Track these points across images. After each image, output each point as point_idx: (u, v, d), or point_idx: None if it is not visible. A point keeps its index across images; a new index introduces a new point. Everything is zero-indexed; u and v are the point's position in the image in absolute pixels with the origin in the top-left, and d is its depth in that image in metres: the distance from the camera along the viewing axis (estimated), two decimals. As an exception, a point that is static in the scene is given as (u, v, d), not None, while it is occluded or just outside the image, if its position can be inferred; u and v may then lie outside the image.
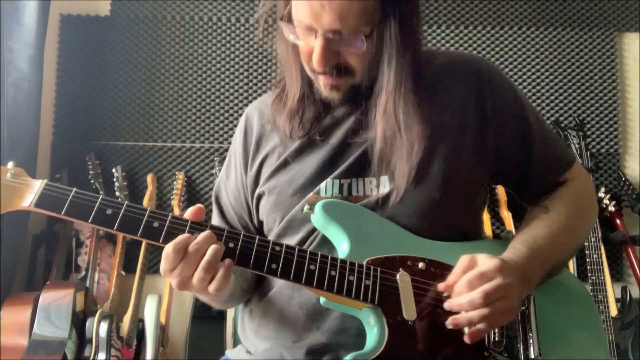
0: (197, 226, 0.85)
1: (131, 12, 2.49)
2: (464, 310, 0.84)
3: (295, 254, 0.86)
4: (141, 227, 0.83)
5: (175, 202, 2.30)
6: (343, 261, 0.87)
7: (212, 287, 0.83)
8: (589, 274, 2.09)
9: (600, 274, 2.08)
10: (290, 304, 0.98)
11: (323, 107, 1.03)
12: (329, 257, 0.87)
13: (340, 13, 0.87)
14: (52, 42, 2.42)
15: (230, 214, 1.12)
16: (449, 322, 0.85)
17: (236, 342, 2.12)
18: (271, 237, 1.04)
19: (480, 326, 0.84)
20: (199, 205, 0.87)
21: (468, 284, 0.84)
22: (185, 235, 0.83)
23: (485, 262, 0.86)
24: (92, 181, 2.30)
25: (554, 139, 1.08)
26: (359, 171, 0.99)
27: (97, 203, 0.84)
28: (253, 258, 0.85)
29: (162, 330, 2.14)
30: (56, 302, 1.92)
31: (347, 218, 0.93)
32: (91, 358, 1.91)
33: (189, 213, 0.87)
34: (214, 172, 2.39)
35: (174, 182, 2.37)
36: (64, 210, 0.83)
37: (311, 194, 0.98)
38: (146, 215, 0.84)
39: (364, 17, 0.88)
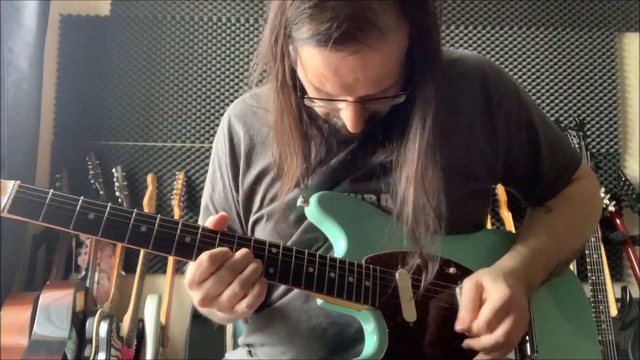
0: (227, 238, 0.80)
1: (131, 12, 2.49)
2: (486, 350, 0.84)
3: (293, 255, 0.81)
4: (128, 233, 0.76)
5: (175, 202, 2.30)
6: (342, 262, 0.84)
7: (243, 304, 0.76)
8: (589, 274, 2.09)
9: (600, 274, 2.08)
10: (298, 328, 0.94)
11: (325, 136, 0.95)
12: (328, 258, 0.83)
13: (377, 81, 0.78)
14: (52, 42, 2.42)
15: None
16: None
17: (236, 342, 2.11)
18: None
19: (499, 354, 0.85)
20: (222, 213, 0.82)
21: (487, 325, 0.82)
22: (225, 249, 0.78)
23: (495, 293, 0.83)
24: (92, 181, 2.30)
25: (561, 141, 1.05)
26: (358, 188, 0.94)
27: (78, 206, 0.76)
28: None
29: (162, 330, 2.13)
30: (56, 302, 1.92)
31: (343, 212, 0.89)
32: (91, 358, 1.91)
33: (212, 222, 0.80)
34: (214, 172, 2.39)
35: (174, 182, 2.37)
36: (41, 216, 0.74)
37: None
38: (133, 218, 0.77)
39: (400, 74, 0.80)
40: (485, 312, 0.83)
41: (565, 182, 1.05)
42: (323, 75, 0.78)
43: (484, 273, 0.87)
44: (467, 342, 0.85)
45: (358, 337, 0.87)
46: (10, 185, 0.74)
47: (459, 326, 0.84)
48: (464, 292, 0.85)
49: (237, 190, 1.01)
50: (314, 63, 0.77)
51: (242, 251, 0.78)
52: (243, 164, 1.00)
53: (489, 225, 2.32)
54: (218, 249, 0.78)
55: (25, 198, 0.74)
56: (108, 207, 0.76)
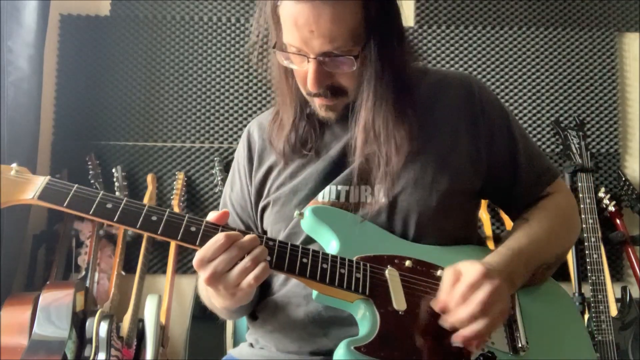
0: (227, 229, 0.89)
1: (131, 12, 2.49)
2: (465, 325, 0.85)
3: (288, 248, 0.89)
4: (140, 220, 0.86)
5: (175, 202, 2.30)
6: (334, 256, 0.91)
7: (251, 276, 0.83)
8: (589, 274, 2.09)
9: (600, 274, 2.08)
10: (297, 312, 1.01)
11: (320, 124, 1.07)
12: (321, 252, 0.90)
13: (329, 36, 0.90)
14: (52, 42, 2.42)
15: (237, 224, 1.15)
16: (459, 340, 0.86)
17: (236, 342, 2.12)
18: None
19: (485, 336, 0.86)
20: (225, 210, 0.91)
21: (462, 298, 0.85)
22: (237, 232, 0.87)
23: (470, 271, 0.87)
24: (92, 181, 2.30)
25: (538, 153, 1.13)
26: (356, 179, 1.02)
27: (99, 197, 0.87)
28: None
29: (162, 330, 2.14)
30: (56, 302, 1.92)
31: (335, 221, 0.97)
32: (91, 358, 1.91)
33: (215, 217, 0.89)
34: (214, 172, 2.39)
35: (174, 182, 2.37)
36: (66, 202, 0.86)
37: (312, 201, 1.03)
38: (145, 210, 0.87)
39: (352, 39, 0.92)
40: (460, 286, 0.86)
41: (542, 191, 1.10)
42: (289, 30, 0.93)
43: (463, 262, 0.91)
44: (445, 318, 0.87)
45: (352, 321, 0.91)
46: (42, 179, 0.88)
47: (437, 306, 0.88)
48: (443, 277, 0.90)
49: (251, 184, 1.14)
50: (285, 17, 0.93)
51: (251, 235, 0.87)
52: (256, 162, 1.14)
53: (488, 225, 2.32)
54: (233, 232, 0.87)
55: (54, 189, 0.87)
56: (124, 200, 0.87)
